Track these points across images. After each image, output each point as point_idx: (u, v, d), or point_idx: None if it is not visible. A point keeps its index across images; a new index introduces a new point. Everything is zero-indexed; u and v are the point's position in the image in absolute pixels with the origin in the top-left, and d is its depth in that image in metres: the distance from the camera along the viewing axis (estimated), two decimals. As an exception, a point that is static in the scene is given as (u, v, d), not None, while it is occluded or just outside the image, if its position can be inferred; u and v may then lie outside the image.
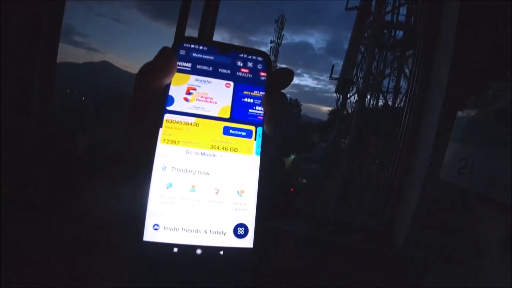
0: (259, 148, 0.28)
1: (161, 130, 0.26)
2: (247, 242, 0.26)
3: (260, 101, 0.28)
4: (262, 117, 0.28)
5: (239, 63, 0.29)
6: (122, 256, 0.24)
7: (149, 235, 0.24)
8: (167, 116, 0.26)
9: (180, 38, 0.28)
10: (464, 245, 0.80)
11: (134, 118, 0.26)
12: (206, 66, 0.28)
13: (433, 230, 0.91)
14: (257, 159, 0.27)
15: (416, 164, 1.05)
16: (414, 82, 1.13)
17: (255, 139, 0.28)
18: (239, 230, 0.26)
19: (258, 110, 0.28)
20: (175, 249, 0.24)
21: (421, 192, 0.94)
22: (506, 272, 0.57)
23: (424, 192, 0.93)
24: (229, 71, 0.29)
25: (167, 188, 0.25)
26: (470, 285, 0.71)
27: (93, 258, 0.24)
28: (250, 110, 0.28)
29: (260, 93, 0.29)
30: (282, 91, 0.29)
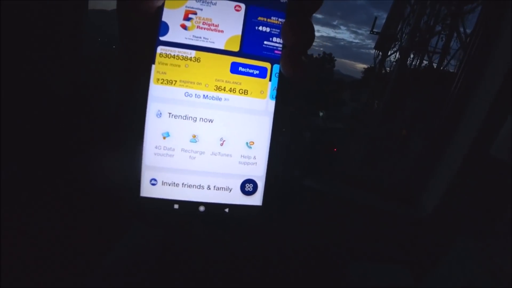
0: (275, 91, 0.23)
1: (153, 67, 0.21)
2: (256, 199, 0.23)
3: (278, 30, 0.23)
4: (280, 52, 0.23)
5: None
6: (120, 213, 0.23)
7: (147, 190, 0.22)
8: (160, 49, 0.21)
9: None
10: (498, 224, 0.79)
11: (122, 51, 0.22)
12: None
13: (467, 203, 0.90)
14: (271, 104, 0.23)
15: (461, 134, 0.99)
16: (475, 42, 1.02)
17: (270, 80, 0.23)
18: (247, 187, 0.23)
19: (276, 42, 0.23)
20: (176, 206, 0.22)
21: (462, 164, 0.90)
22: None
23: (465, 165, 0.89)
24: None
25: (164, 138, 0.22)
26: (492, 263, 0.71)
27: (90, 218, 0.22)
28: (265, 42, 0.23)
29: (279, 20, 0.23)
30: (309, 18, 0.23)
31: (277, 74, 0.23)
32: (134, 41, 0.21)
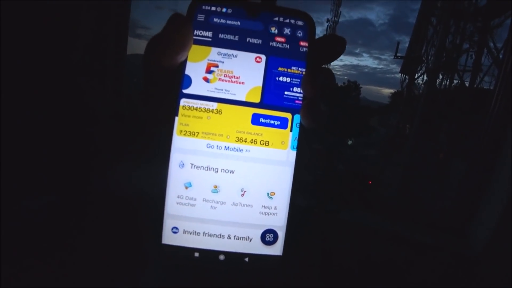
0: (296, 142, 0.23)
1: (177, 119, 0.22)
2: (276, 249, 0.23)
3: (299, 80, 0.23)
4: (300, 102, 0.23)
5: (273, 30, 0.23)
6: (140, 257, 0.23)
7: (168, 238, 0.22)
8: (183, 102, 0.22)
9: None
10: None
11: (146, 104, 0.23)
12: (231, 34, 0.22)
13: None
14: (292, 155, 0.23)
15: (506, 158, 0.89)
16: (510, 57, 0.95)
17: (291, 130, 0.23)
18: (268, 237, 0.23)
19: (296, 92, 0.23)
20: (196, 254, 0.22)
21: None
22: None
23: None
24: (260, 41, 0.23)
25: (186, 188, 0.22)
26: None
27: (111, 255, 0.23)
28: (286, 93, 0.23)
29: (300, 69, 0.23)
30: (329, 66, 0.22)
31: (297, 124, 0.23)
32: (159, 94, 0.22)
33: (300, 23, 0.23)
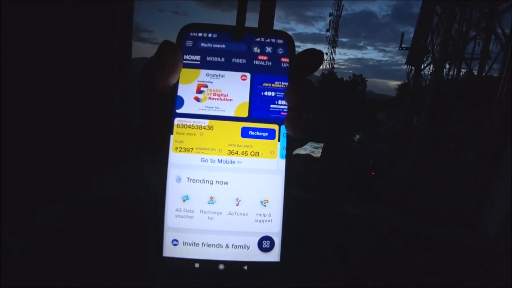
0: (284, 150, 0.25)
1: (172, 137, 0.24)
2: (273, 255, 0.24)
3: (283, 93, 0.25)
4: (286, 113, 0.25)
5: (256, 49, 0.25)
6: (141, 271, 0.24)
7: (168, 250, 0.23)
8: (177, 121, 0.24)
9: (185, 26, 0.25)
10: None
11: (142, 124, 0.25)
12: (217, 57, 0.25)
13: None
14: (282, 163, 0.24)
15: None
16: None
17: (279, 140, 0.25)
18: (264, 243, 0.24)
19: (282, 104, 0.25)
20: (196, 265, 0.23)
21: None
22: None
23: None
24: (244, 61, 0.25)
25: (184, 201, 0.24)
26: None
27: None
28: (271, 106, 0.25)
29: (283, 83, 0.25)
30: (310, 78, 0.25)
31: (285, 134, 0.25)
32: (155, 115, 0.24)
33: (280, 41, 0.25)
